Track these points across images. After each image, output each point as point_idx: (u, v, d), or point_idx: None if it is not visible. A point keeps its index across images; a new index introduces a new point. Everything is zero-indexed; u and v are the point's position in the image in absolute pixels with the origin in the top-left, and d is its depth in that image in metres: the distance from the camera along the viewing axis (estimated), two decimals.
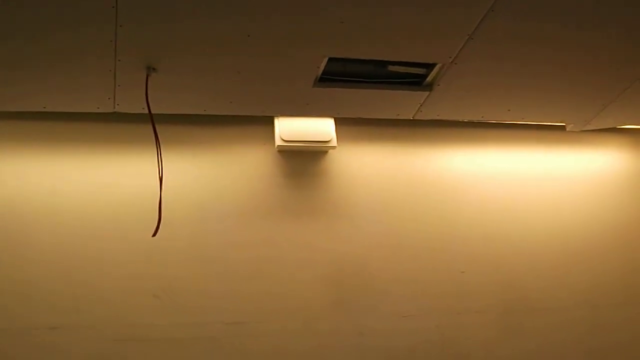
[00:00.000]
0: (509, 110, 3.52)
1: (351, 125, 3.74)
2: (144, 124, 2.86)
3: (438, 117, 3.51)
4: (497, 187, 3.90)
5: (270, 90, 3.11)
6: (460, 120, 3.72)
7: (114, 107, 3.09)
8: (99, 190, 3.38)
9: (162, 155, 2.85)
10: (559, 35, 2.79)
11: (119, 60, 2.70)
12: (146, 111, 2.82)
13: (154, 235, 2.74)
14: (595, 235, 3.93)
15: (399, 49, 2.86)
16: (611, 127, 3.92)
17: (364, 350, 3.40)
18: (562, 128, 3.84)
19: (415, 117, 3.46)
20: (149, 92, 2.80)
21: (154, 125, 2.79)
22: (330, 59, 2.89)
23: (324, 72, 3.01)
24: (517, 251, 3.78)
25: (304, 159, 3.71)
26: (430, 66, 3.03)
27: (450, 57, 2.90)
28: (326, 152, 3.75)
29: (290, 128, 3.58)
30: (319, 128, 3.62)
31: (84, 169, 3.40)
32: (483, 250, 3.74)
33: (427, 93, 3.21)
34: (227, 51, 2.74)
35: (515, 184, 3.94)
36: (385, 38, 2.73)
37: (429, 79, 3.13)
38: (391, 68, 3.06)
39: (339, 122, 3.66)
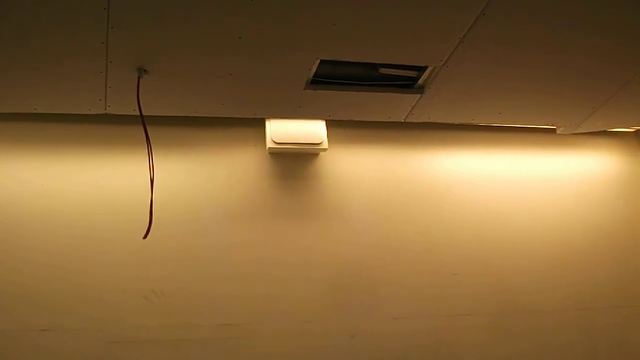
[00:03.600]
0: (500, 113, 3.53)
1: (343, 127, 3.74)
2: (135, 125, 2.86)
3: (429, 120, 3.52)
4: (488, 190, 3.91)
5: (261, 92, 3.11)
6: (452, 122, 3.73)
7: (105, 109, 3.09)
8: (90, 192, 3.37)
9: (153, 157, 2.84)
10: (549, 39, 2.80)
11: (111, 62, 2.70)
12: (137, 113, 2.82)
13: (145, 237, 2.73)
14: (586, 237, 3.95)
15: (391, 52, 2.87)
16: (601, 130, 3.94)
17: (357, 352, 3.40)
18: (553, 131, 3.86)
19: (407, 120, 3.47)
20: (140, 93, 2.80)
21: (145, 126, 2.78)
22: (322, 62, 2.90)
23: (315, 75, 3.01)
24: (509, 253, 3.79)
25: (295, 161, 3.71)
26: (421, 69, 3.05)
27: (441, 60, 2.91)
28: (317, 154, 3.75)
29: (282, 130, 3.58)
30: (310, 130, 3.62)
31: (75, 171, 3.40)
32: (475, 252, 3.75)
33: (418, 96, 3.21)
34: (218, 53, 2.74)
35: (507, 186, 3.95)
36: (377, 41, 2.74)
37: (420, 81, 3.13)
38: (383, 71, 3.06)
39: (330, 124, 3.67)
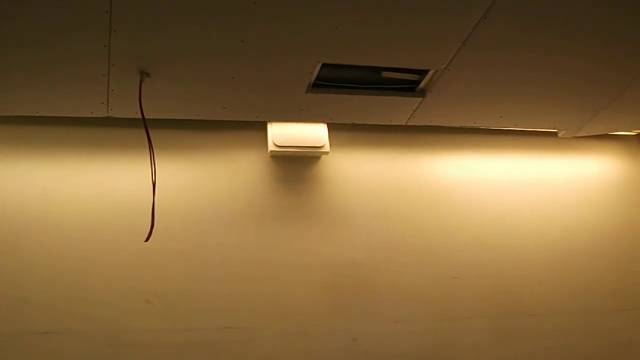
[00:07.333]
0: (501, 116, 3.53)
1: (344, 130, 3.74)
2: (137, 128, 2.85)
3: (431, 123, 3.52)
4: (489, 193, 3.91)
5: (263, 95, 3.11)
6: (453, 126, 3.74)
7: (108, 112, 3.09)
8: (93, 195, 3.37)
9: (155, 160, 2.84)
10: (551, 42, 2.80)
11: (113, 66, 2.70)
12: (139, 116, 2.81)
13: (146, 240, 2.73)
14: (587, 241, 3.94)
15: (393, 56, 2.87)
16: (603, 133, 3.94)
17: (358, 355, 3.40)
18: (554, 134, 3.86)
19: (408, 123, 3.47)
20: (142, 97, 2.80)
21: (147, 130, 2.79)
22: (324, 65, 2.90)
23: (317, 78, 3.01)
24: (509, 257, 3.79)
25: (297, 165, 3.71)
26: (423, 72, 3.05)
27: (443, 64, 2.91)
28: (319, 157, 3.75)
29: (283, 133, 3.58)
30: (312, 133, 3.62)
31: (77, 174, 3.40)
32: (476, 255, 3.75)
33: (420, 99, 3.22)
34: (220, 56, 2.74)
35: (508, 190, 3.95)
36: (379, 45, 2.75)
37: (422, 85, 3.14)
38: (384, 74, 3.07)
39: (332, 127, 3.67)
